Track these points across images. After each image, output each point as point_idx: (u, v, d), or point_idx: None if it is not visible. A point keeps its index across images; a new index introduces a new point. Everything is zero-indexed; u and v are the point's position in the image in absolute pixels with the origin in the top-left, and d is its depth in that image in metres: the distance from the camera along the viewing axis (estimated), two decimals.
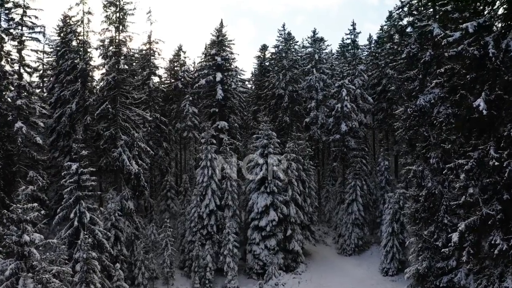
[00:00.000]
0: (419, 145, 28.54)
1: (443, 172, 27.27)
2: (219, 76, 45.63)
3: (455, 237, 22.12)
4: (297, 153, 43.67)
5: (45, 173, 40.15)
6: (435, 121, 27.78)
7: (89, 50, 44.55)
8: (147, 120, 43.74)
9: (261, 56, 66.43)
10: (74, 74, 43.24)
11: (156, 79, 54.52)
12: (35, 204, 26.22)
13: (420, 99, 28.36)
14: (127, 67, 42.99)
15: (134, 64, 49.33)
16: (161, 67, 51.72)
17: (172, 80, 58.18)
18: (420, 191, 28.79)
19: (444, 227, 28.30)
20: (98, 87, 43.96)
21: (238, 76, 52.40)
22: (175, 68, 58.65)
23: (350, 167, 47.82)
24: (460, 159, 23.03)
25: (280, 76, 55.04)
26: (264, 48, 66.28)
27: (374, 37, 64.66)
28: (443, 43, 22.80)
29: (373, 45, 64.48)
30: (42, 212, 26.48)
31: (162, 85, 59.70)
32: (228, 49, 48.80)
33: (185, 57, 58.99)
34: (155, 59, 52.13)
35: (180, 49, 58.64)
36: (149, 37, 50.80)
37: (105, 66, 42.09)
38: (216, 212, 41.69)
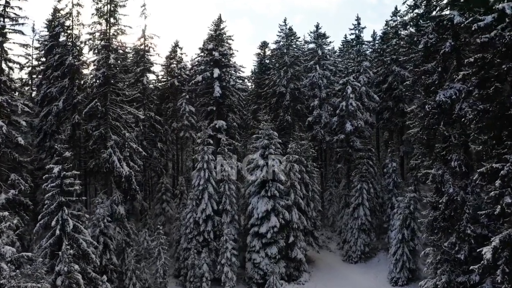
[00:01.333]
0: (438, 146, 25.00)
1: (469, 177, 23.89)
2: (216, 72, 42.00)
3: (488, 253, 18.66)
4: (299, 154, 40.19)
5: (29, 176, 36.68)
6: (456, 119, 24.39)
7: (78, 44, 41.01)
8: (140, 119, 40.21)
9: (261, 53, 63.02)
10: (61, 70, 39.71)
11: (151, 77, 51.10)
12: (6, 213, 22.80)
13: (439, 95, 24.86)
14: (118, 62, 39.55)
15: (127, 59, 45.94)
16: (157, 64, 48.26)
17: (169, 78, 54.78)
18: (440, 197, 25.29)
19: (466, 238, 24.78)
20: (87, 83, 40.38)
21: (237, 73, 48.78)
22: (172, 66, 55.26)
23: (355, 169, 44.31)
24: (490, 162, 19.57)
25: (281, 73, 51.54)
26: (264, 45, 62.87)
27: (379, 33, 61.26)
28: (473, 28, 19.25)
29: (377, 41, 60.88)
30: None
31: (159, 83, 56.49)
32: (226, 44, 45.23)
33: (181, 54, 55.50)
34: (150, 55, 48.73)
35: (176, 45, 55.15)
36: (143, 31, 47.42)
37: (94, 61, 38.59)
38: (213, 218, 38.22)
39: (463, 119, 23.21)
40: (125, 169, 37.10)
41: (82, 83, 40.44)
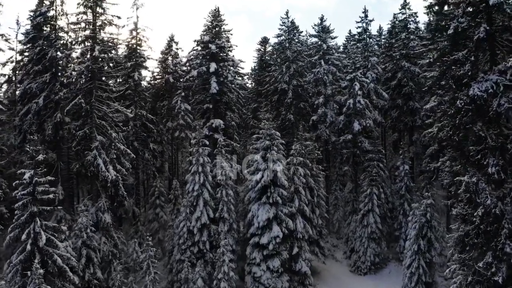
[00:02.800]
0: (473, 148, 20.74)
1: (505, 185, 19.69)
2: (213, 66, 37.65)
3: None
4: (304, 156, 35.95)
5: (4, 181, 32.58)
6: (493, 117, 20.19)
7: (61, 36, 36.77)
8: (129, 117, 35.98)
9: (262, 49, 58.70)
10: (43, 64, 35.46)
11: (145, 73, 46.77)
12: None
13: (473, 88, 20.64)
14: (104, 55, 35.31)
15: (116, 53, 41.68)
16: (150, 58, 43.88)
17: (164, 75, 50.57)
18: (474, 209, 21.04)
19: (505, 257, 20.58)
20: (71, 78, 36.03)
21: (236, 68, 44.52)
22: (167, 62, 51.04)
23: (365, 171, 40.06)
24: None
25: (283, 68, 47.23)
26: (264, 40, 58.51)
27: (385, 28, 56.96)
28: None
29: (383, 37, 56.63)
30: None
31: (155, 81, 52.30)
32: (224, 36, 40.87)
33: (177, 49, 51.19)
34: (144, 50, 44.42)
35: (171, 39, 50.81)
36: (135, 24, 43.12)
37: (78, 54, 34.43)
38: (209, 226, 34.01)
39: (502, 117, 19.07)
40: (111, 173, 32.91)
41: (65, 78, 36.08)
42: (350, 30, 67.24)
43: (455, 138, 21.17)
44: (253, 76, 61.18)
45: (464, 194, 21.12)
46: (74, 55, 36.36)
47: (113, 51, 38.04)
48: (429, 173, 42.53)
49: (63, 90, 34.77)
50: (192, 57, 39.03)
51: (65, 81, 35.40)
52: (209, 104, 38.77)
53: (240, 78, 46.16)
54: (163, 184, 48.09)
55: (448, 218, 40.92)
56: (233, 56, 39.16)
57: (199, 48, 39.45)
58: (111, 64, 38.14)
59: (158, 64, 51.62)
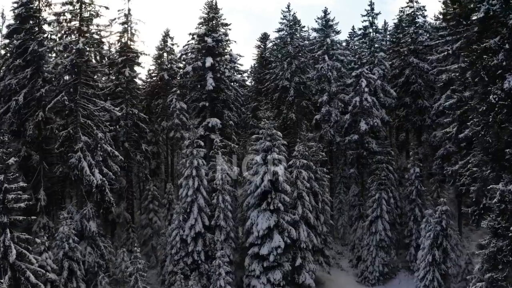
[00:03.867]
0: (509, 151, 17.47)
1: None
2: (209, 61, 34.33)
3: None
4: (307, 158, 32.68)
5: None
6: None
7: (45, 28, 33.49)
8: (117, 116, 32.71)
9: (262, 46, 55.43)
10: (24, 59, 32.17)
11: (139, 70, 43.48)
12: None
13: (509, 81, 17.39)
14: (91, 48, 32.10)
15: (106, 48, 38.50)
16: (143, 54, 40.51)
17: (159, 72, 47.42)
18: (508, 221, 17.80)
19: None
20: (55, 74, 32.76)
21: (235, 65, 41.22)
22: (162, 59, 47.83)
23: (372, 174, 36.75)
24: None
25: (284, 65, 43.91)
26: (265, 37, 55.18)
27: (391, 23, 53.78)
28: None
29: (389, 32, 53.28)
30: None
31: (150, 79, 49.11)
32: (222, 30, 37.52)
33: (172, 44, 48.13)
34: (136, 45, 41.01)
35: (167, 34, 47.71)
36: (127, 16, 39.71)
37: (61, 47, 31.16)
38: (204, 235, 30.80)
39: None
40: (96, 177, 29.68)
41: (48, 74, 32.78)
42: (353, 26, 63.67)
43: (487, 138, 17.87)
44: (253, 74, 57.92)
45: (497, 204, 17.86)
46: (58, 48, 33.17)
47: (101, 45, 34.88)
48: (439, 176, 39.41)
49: (45, 87, 31.52)
50: (186, 51, 35.76)
51: (48, 76, 32.14)
52: (205, 102, 35.46)
53: (238, 75, 42.79)
54: (160, 186, 44.95)
55: (460, 225, 37.76)
56: (231, 50, 35.90)
57: (194, 41, 36.13)
58: (98, 58, 34.96)
59: (154, 61, 48.65)
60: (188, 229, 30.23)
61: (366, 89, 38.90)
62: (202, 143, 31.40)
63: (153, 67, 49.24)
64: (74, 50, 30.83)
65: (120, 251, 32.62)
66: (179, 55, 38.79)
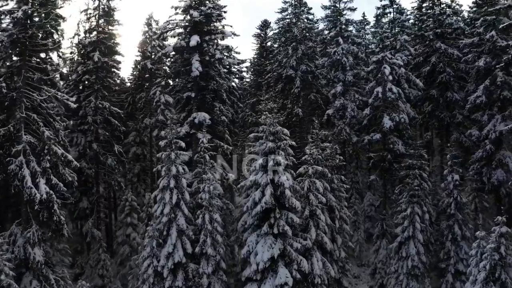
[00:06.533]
0: None
1: None
2: (194, 39, 25.87)
3: None
4: (322, 164, 24.36)
5: None
6: None
7: None
8: (72, 107, 24.32)
9: (262, 34, 47.45)
10: None
11: (121, 59, 34.94)
12: None
13: None
14: (40, 21, 23.77)
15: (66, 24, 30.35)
16: (119, 36, 32.48)
17: (141, 60, 39.36)
18: None
19: None
20: None
21: (230, 51, 33.01)
22: (146, 47, 39.73)
23: (401, 183, 28.47)
24: None
25: (289, 50, 35.71)
26: (265, 24, 47.34)
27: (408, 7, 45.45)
28: None
29: (408, 15, 44.99)
30: None
31: (137, 72, 41.05)
32: (212, 4, 28.92)
33: (158, 29, 39.92)
34: (110, 26, 32.98)
35: (151, 17, 39.47)
36: None
37: None
38: (185, 266, 22.49)
39: None
40: (41, 190, 21.47)
41: None
42: (363, 13, 55.68)
43: None
44: (252, 69, 49.72)
45: None
46: None
47: (59, 19, 26.53)
48: (477, 184, 31.28)
49: None
50: (168, 29, 27.42)
51: None
52: (191, 93, 27.08)
53: (233, 61, 34.44)
54: (146, 195, 37.02)
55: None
56: (223, 27, 27.43)
57: (178, 17, 27.83)
58: (56, 37, 26.63)
59: (139, 50, 40.55)
60: (164, 258, 21.93)
61: (390, 77, 30.68)
62: (184, 145, 23.00)
63: (139, 58, 41.26)
64: (15, 20, 22.62)
65: (78, 284, 24.25)
66: (159, 32, 30.38)
